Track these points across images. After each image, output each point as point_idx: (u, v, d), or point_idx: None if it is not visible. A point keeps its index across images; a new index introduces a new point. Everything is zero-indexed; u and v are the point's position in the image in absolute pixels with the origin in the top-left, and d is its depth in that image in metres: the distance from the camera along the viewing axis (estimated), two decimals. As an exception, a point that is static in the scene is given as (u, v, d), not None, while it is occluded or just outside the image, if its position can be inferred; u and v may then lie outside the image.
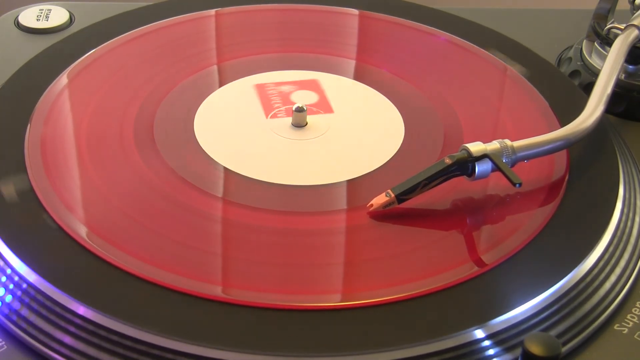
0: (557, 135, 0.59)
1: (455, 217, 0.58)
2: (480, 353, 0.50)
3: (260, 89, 0.66)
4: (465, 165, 0.57)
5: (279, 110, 0.64)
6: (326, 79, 0.69)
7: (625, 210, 0.58)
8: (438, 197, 0.58)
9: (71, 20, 0.77)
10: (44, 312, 0.51)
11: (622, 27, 0.68)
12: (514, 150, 0.57)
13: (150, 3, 0.77)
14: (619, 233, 0.57)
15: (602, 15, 0.71)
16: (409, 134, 0.64)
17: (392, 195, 0.56)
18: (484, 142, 0.57)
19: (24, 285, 0.52)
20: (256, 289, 0.52)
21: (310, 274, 0.53)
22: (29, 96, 0.65)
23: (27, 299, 0.51)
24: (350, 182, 0.59)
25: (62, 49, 0.70)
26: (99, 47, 0.70)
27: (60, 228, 0.54)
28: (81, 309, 0.50)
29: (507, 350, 0.50)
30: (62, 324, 0.50)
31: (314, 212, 0.57)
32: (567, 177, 0.60)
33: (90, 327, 0.50)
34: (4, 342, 0.51)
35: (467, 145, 0.57)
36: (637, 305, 0.55)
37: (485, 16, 0.78)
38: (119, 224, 0.55)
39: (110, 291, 0.51)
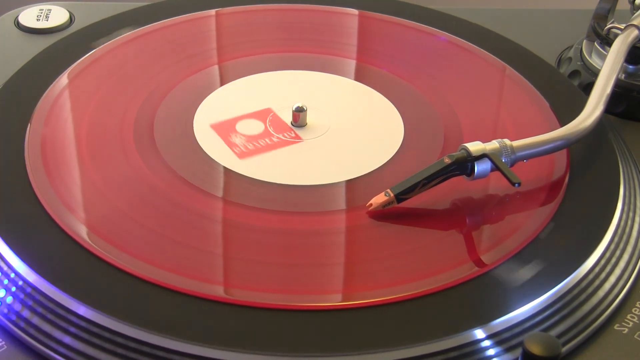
0: (556, 135, 0.59)
1: (455, 217, 0.58)
2: (481, 353, 0.50)
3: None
4: (464, 165, 0.57)
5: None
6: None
7: (625, 210, 0.58)
8: (438, 197, 0.58)
9: (71, 20, 0.77)
10: (44, 312, 0.51)
11: (622, 27, 0.68)
12: (513, 149, 0.57)
13: (150, 3, 0.77)
14: (619, 233, 0.57)
15: (602, 15, 0.71)
16: (409, 134, 0.64)
17: (392, 194, 0.56)
18: (484, 142, 0.57)
19: (24, 286, 0.52)
20: (256, 289, 0.52)
21: (310, 274, 0.53)
22: (29, 96, 0.65)
23: (27, 300, 0.51)
24: (350, 182, 0.59)
25: (62, 49, 0.70)
26: (99, 47, 0.70)
27: (60, 228, 0.54)
28: (81, 309, 0.50)
29: (508, 350, 0.50)
30: (62, 324, 0.50)
31: (314, 212, 0.57)
32: (567, 177, 0.60)
33: (90, 327, 0.50)
34: (4, 342, 0.51)
35: (466, 144, 0.57)
36: (637, 305, 0.55)
37: (485, 16, 0.78)
38: (119, 224, 0.55)
39: (110, 291, 0.51)
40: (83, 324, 0.50)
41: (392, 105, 0.66)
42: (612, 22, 0.70)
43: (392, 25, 0.75)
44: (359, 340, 0.49)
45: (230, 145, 0.61)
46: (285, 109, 0.65)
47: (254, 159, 0.61)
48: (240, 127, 0.63)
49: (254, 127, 0.63)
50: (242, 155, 0.61)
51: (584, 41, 0.73)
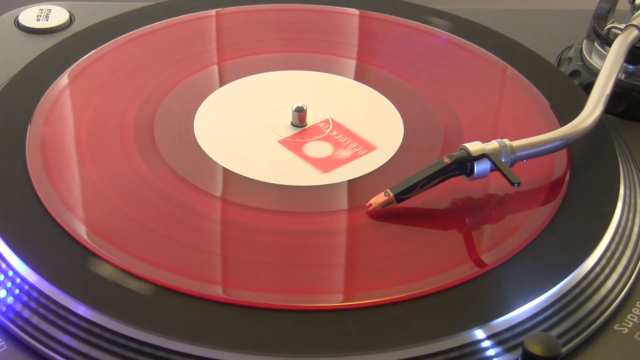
0: (555, 135, 0.59)
1: (455, 217, 0.58)
2: (481, 353, 0.50)
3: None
4: (464, 165, 0.57)
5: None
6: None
7: (625, 210, 0.58)
8: (437, 197, 0.58)
9: (71, 20, 0.77)
10: (44, 312, 0.51)
11: (622, 27, 0.68)
12: (512, 149, 0.57)
13: (150, 3, 0.77)
14: (619, 233, 0.57)
15: (602, 15, 0.71)
16: (409, 134, 0.64)
17: (391, 194, 0.56)
18: (483, 142, 0.57)
19: (25, 286, 0.52)
20: (256, 289, 0.52)
21: (310, 274, 0.53)
22: (29, 96, 0.65)
23: (27, 300, 0.51)
24: (350, 182, 0.59)
25: (62, 49, 0.70)
26: (99, 47, 0.70)
27: (60, 228, 0.54)
28: (81, 309, 0.50)
29: (508, 350, 0.50)
30: (62, 324, 0.50)
31: (314, 212, 0.57)
32: (567, 177, 0.60)
33: (90, 327, 0.50)
34: (4, 342, 0.51)
35: (466, 144, 0.57)
36: (637, 305, 0.55)
37: (485, 16, 0.78)
38: (119, 224, 0.55)
39: (110, 291, 0.51)
40: (83, 324, 0.50)
41: (392, 105, 0.66)
42: (612, 22, 0.70)
43: (392, 25, 0.75)
44: (359, 340, 0.49)
45: (350, 159, 0.61)
46: (286, 109, 0.65)
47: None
48: (313, 152, 0.62)
49: (321, 148, 0.62)
50: (368, 149, 0.61)
51: (584, 41, 0.73)
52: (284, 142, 0.62)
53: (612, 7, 0.71)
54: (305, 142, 0.62)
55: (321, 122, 0.64)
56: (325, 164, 0.61)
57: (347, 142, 0.62)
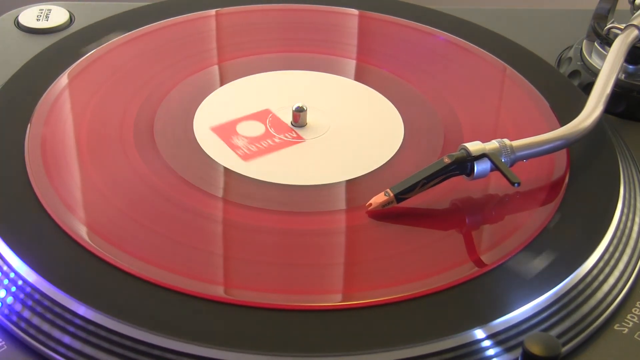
0: (555, 135, 0.59)
1: (455, 217, 0.58)
2: (481, 353, 0.50)
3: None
4: (464, 165, 0.57)
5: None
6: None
7: (625, 210, 0.58)
8: (437, 197, 0.58)
9: (71, 20, 0.77)
10: (44, 312, 0.51)
11: (622, 27, 0.68)
12: (512, 149, 0.57)
13: (150, 3, 0.77)
14: (619, 233, 0.57)
15: (602, 15, 0.71)
16: (409, 134, 0.64)
17: (391, 194, 0.56)
18: (483, 142, 0.57)
19: (25, 286, 0.52)
20: (256, 289, 0.52)
21: (310, 274, 0.53)
22: (29, 96, 0.65)
23: (27, 300, 0.51)
24: (350, 182, 0.59)
25: (62, 49, 0.70)
26: (99, 47, 0.70)
27: (60, 228, 0.54)
28: (81, 309, 0.50)
29: (508, 350, 0.50)
30: (62, 324, 0.50)
31: (314, 212, 0.57)
32: (567, 177, 0.60)
33: (91, 328, 0.50)
34: (4, 342, 0.51)
35: (466, 144, 0.57)
36: (637, 305, 0.55)
37: (486, 16, 0.78)
38: (119, 224, 0.55)
39: (110, 291, 0.51)
40: (83, 324, 0.50)
41: (392, 105, 0.66)
42: (612, 22, 0.70)
43: (392, 25, 0.75)
44: (359, 340, 0.49)
45: (233, 147, 0.61)
46: (285, 109, 0.65)
47: (258, 161, 0.60)
48: (241, 129, 0.63)
49: (255, 128, 0.63)
50: (246, 157, 0.60)
51: (584, 41, 0.73)
52: (260, 112, 0.64)
53: (612, 7, 0.71)
54: (256, 121, 0.64)
55: (295, 136, 0.63)
56: (222, 133, 0.62)
57: (261, 145, 0.62)
